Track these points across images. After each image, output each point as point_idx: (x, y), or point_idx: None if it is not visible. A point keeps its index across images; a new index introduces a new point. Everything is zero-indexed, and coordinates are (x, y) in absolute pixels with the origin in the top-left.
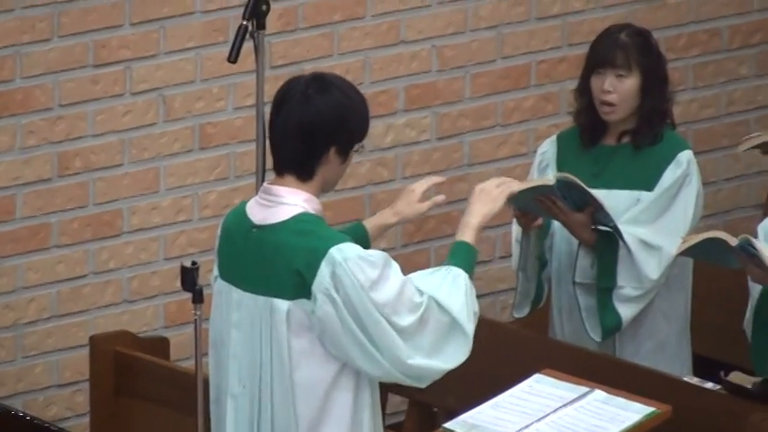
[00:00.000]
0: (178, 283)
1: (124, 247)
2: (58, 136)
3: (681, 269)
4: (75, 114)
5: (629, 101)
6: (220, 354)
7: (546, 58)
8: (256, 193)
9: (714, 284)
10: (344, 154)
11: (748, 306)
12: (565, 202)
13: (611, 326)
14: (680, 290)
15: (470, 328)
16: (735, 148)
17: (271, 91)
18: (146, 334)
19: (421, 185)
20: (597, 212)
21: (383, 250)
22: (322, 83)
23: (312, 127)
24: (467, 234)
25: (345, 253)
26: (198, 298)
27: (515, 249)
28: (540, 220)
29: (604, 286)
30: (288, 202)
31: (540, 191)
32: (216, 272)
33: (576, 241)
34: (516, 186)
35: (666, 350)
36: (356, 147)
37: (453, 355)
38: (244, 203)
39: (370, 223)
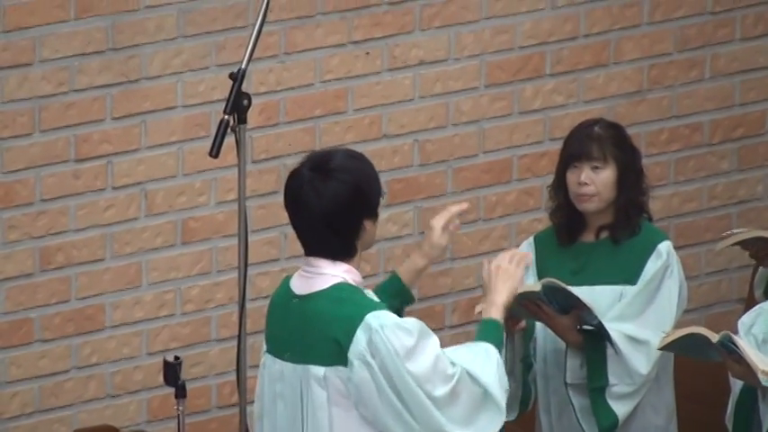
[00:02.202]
0: (161, 378)
1: (107, 341)
2: (40, 231)
3: (665, 360)
4: (56, 209)
5: (605, 192)
6: (264, 427)
7: (528, 153)
8: (240, 288)
9: (695, 379)
10: (375, 215)
11: (729, 401)
12: (550, 307)
13: (608, 425)
14: (666, 381)
15: (502, 398)
16: (717, 242)
17: (253, 185)
18: (129, 429)
19: (439, 221)
20: (583, 313)
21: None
22: (324, 170)
23: (338, 217)
24: (494, 312)
25: (382, 320)
26: (181, 393)
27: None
28: (523, 323)
29: (596, 386)
30: (327, 272)
31: (526, 297)
32: (264, 347)
33: (561, 340)
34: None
35: None
36: (381, 202)
37: (486, 426)
38: (288, 278)
39: (403, 271)
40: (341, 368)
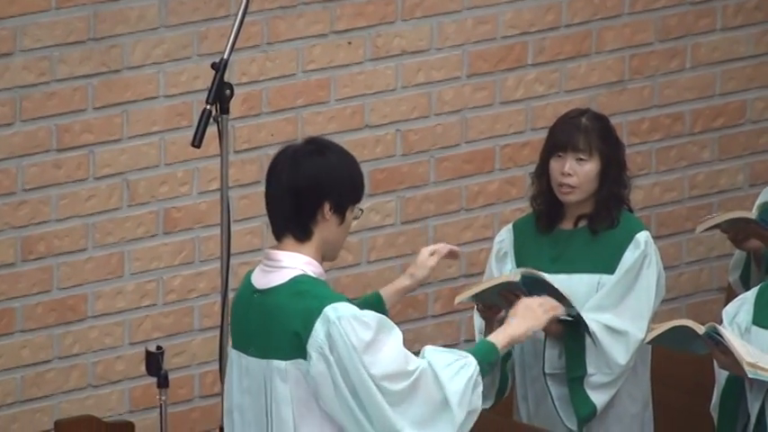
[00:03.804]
0: (143, 368)
1: (89, 331)
2: (22, 220)
3: (643, 349)
4: (38, 199)
5: (587, 184)
6: (234, 422)
7: (510, 143)
8: (222, 278)
9: (675, 368)
10: (340, 213)
11: (714, 391)
12: (530, 297)
13: (586, 414)
14: (643, 370)
15: (460, 415)
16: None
17: (235, 175)
18: (111, 419)
19: (428, 248)
20: (561, 304)
21: None
22: (314, 145)
23: (302, 184)
24: (499, 338)
25: (340, 312)
26: (163, 382)
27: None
28: (502, 312)
29: (575, 376)
30: (287, 265)
31: (505, 287)
32: (231, 341)
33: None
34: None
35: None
36: (354, 210)
37: None
38: (250, 272)
39: (387, 290)
40: (301, 361)
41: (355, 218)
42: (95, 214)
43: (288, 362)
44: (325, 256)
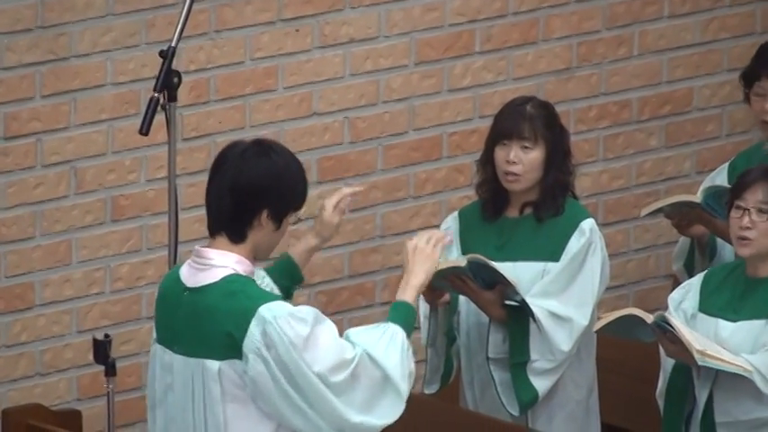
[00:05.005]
0: (91, 356)
1: (36, 319)
2: None
3: (587, 336)
4: None
5: (533, 172)
6: (156, 416)
7: (457, 130)
8: (174, 264)
9: (620, 353)
10: (277, 220)
11: (660, 377)
12: (475, 282)
13: (528, 400)
14: (587, 356)
15: (404, 385)
16: (645, 219)
17: (183, 163)
18: (58, 407)
19: (330, 201)
20: (507, 289)
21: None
22: (261, 147)
23: (244, 187)
24: (407, 293)
25: (275, 311)
26: (111, 371)
27: (424, 325)
28: (446, 297)
29: (518, 361)
30: (218, 264)
31: (451, 272)
32: (154, 335)
33: (483, 314)
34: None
35: (578, 418)
36: (291, 216)
37: (387, 412)
38: (178, 267)
39: (296, 251)
40: (236, 361)
41: (293, 223)
42: (43, 202)
43: (222, 362)
44: (257, 257)
